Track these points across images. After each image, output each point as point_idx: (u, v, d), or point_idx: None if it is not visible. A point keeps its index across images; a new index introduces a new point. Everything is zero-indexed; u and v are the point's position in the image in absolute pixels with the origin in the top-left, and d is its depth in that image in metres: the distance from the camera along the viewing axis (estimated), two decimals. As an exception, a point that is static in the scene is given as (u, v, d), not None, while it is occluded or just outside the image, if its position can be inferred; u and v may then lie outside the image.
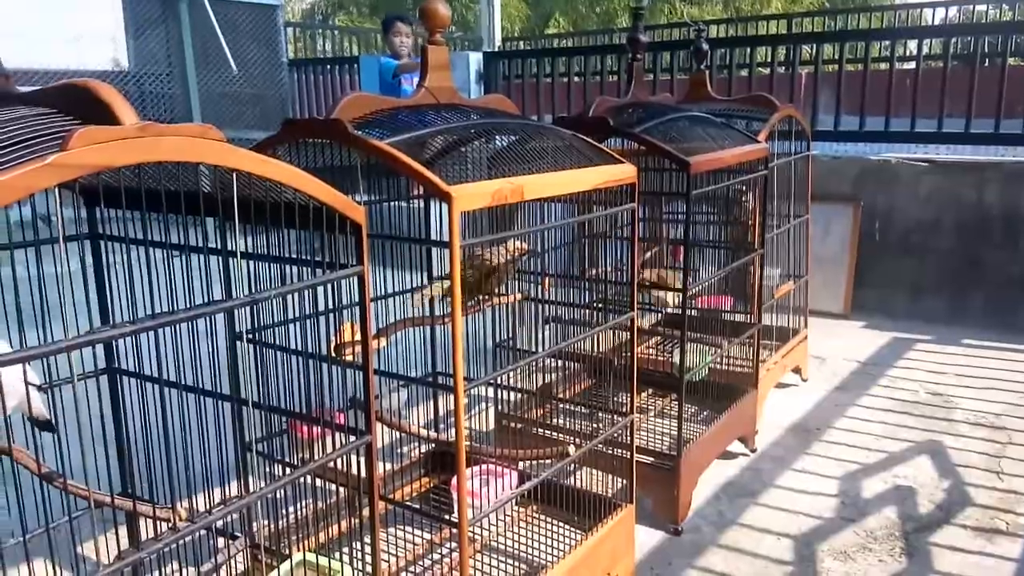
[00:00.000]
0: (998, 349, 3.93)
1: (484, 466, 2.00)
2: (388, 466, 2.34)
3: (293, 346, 1.51)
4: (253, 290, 1.51)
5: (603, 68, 6.07)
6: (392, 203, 2.03)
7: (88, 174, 0.90)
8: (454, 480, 1.72)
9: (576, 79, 6.11)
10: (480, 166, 1.75)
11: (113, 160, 0.92)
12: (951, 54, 4.88)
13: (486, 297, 2.02)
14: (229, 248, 1.47)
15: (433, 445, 2.31)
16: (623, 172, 1.97)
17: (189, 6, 7.19)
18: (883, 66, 5.86)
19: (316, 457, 1.34)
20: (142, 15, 7.85)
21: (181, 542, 1.16)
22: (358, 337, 1.80)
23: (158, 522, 1.15)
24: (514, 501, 2.07)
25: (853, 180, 4.57)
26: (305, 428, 1.58)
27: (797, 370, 3.48)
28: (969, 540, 2.28)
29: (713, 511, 2.47)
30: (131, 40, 8.54)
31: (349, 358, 1.55)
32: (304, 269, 1.31)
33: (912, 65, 5.34)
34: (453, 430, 1.59)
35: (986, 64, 6.33)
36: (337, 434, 1.36)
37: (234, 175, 1.05)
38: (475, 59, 6.60)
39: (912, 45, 6.02)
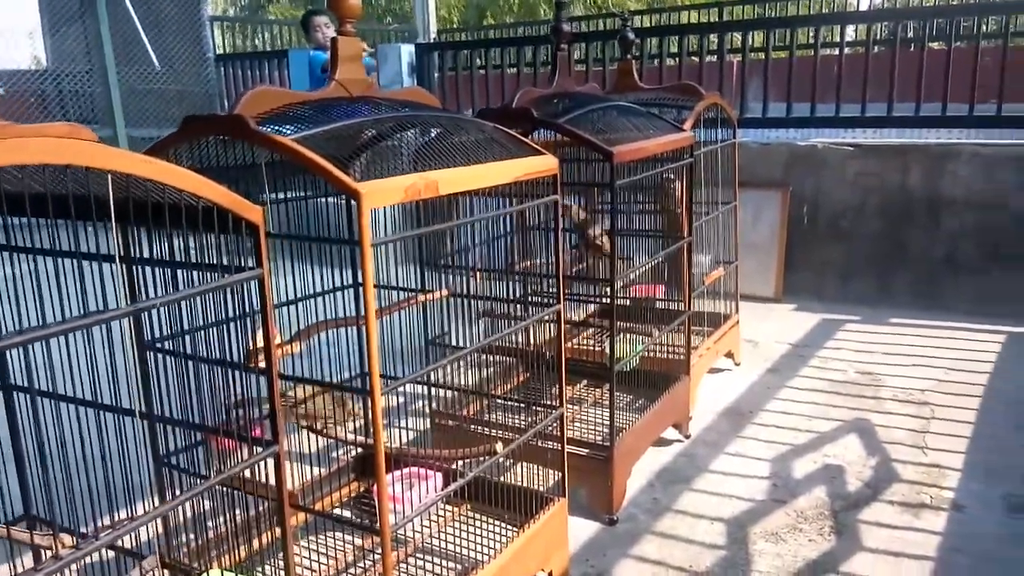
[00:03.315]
0: (922, 326, 4.05)
1: (408, 469, 1.95)
2: (319, 471, 2.28)
3: (206, 353, 1.45)
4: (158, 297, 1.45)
5: (536, 59, 6.05)
6: (318, 200, 1.97)
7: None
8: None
9: (510, 70, 6.08)
10: (394, 161, 1.70)
11: (-37, 165, 0.85)
12: (873, 40, 4.99)
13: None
14: (123, 254, 1.40)
15: (361, 449, 2.25)
16: (544, 164, 1.94)
17: (107, 1, 6.91)
18: (810, 53, 5.98)
19: (225, 470, 1.28)
20: (59, 11, 7.55)
21: (83, 564, 1.09)
22: (274, 341, 1.73)
23: (42, 550, 1.08)
24: (444, 501, 2.03)
25: (782, 166, 4.65)
26: (222, 440, 1.52)
27: (730, 355, 3.52)
28: (896, 515, 2.33)
29: (648, 499, 2.47)
30: (48, 37, 8.21)
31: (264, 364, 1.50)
32: (205, 274, 1.25)
33: (838, 51, 5.45)
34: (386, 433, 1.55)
35: (911, 48, 6.52)
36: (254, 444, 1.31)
37: (109, 177, 0.99)
38: (407, 51, 6.51)
39: (838, 32, 6.14)
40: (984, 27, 5.27)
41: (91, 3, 6.96)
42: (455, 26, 14.18)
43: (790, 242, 4.59)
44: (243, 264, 1.26)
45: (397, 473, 1.89)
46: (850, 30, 7.27)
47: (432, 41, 7.85)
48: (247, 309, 1.33)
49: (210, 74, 7.53)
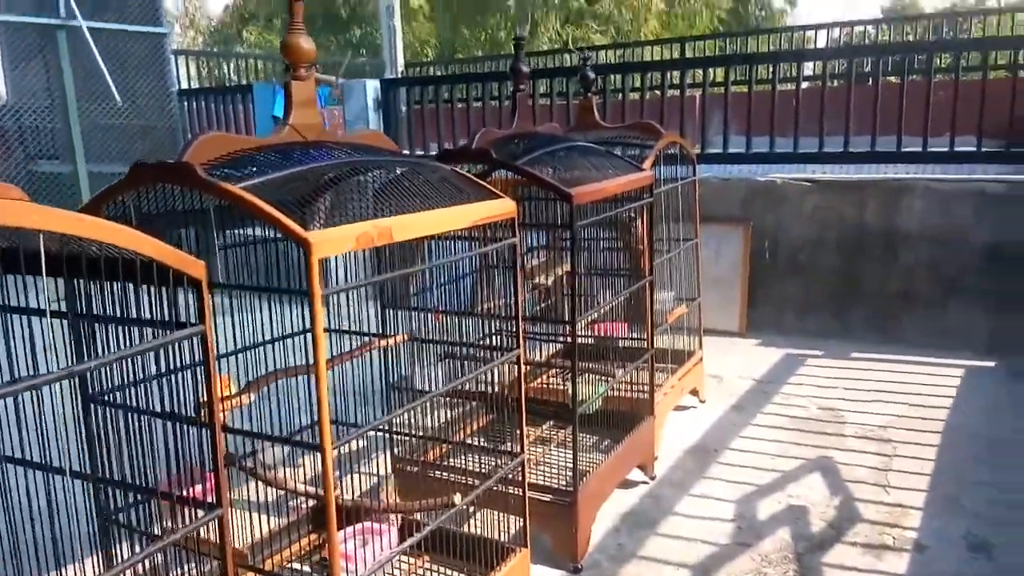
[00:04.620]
0: (882, 360, 4.08)
1: (363, 524, 1.90)
2: (274, 522, 2.21)
3: (153, 408, 1.40)
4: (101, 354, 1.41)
5: (501, 93, 6.09)
6: (289, 242, 1.93)
7: None
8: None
9: (476, 104, 6.12)
10: (347, 207, 1.68)
11: None
12: (830, 74, 5.09)
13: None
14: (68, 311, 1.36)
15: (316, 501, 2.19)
16: (501, 207, 1.93)
17: (68, 36, 6.82)
18: (769, 88, 6.10)
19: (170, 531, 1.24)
20: (18, 46, 7.46)
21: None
22: (226, 392, 1.68)
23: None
24: (402, 554, 1.98)
25: (742, 202, 4.70)
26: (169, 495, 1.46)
27: (695, 392, 3.51)
28: (858, 557, 2.32)
29: (613, 544, 2.43)
30: (8, 72, 8.09)
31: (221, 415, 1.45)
32: (147, 330, 1.22)
33: (801, 87, 5.56)
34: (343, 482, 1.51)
35: (868, 83, 6.67)
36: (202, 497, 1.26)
37: (41, 236, 0.95)
38: (372, 87, 6.51)
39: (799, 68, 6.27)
40: (938, 62, 5.42)
41: (51, 37, 6.87)
42: (427, 60, 14.29)
43: (752, 277, 4.63)
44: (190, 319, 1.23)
45: (348, 530, 1.84)
46: (808, 66, 7.43)
47: (398, 76, 7.87)
48: (195, 360, 1.29)
49: (174, 108, 7.46)
